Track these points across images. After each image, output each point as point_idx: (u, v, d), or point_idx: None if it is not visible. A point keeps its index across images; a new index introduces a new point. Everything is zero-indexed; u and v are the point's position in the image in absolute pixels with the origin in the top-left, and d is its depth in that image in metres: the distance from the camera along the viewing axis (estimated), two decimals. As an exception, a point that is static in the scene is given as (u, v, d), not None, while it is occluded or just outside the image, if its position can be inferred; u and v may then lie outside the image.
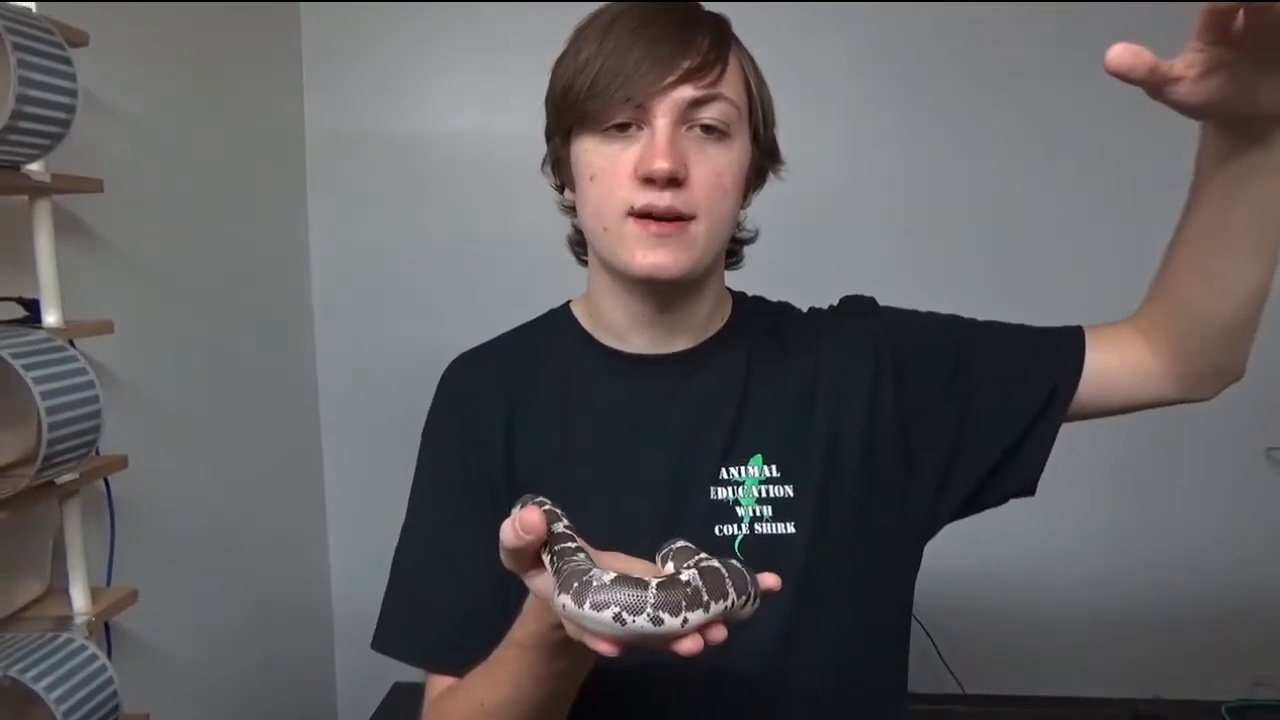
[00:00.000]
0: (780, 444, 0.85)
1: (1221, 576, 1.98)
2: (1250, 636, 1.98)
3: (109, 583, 1.29)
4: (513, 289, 1.91)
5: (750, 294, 0.97)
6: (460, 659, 0.78)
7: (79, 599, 1.17)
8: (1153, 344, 0.84)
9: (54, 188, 1.13)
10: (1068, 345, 0.88)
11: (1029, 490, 0.90)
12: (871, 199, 1.95)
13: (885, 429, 0.85)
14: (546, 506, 0.63)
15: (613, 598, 0.54)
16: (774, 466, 0.84)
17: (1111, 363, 0.86)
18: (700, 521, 0.82)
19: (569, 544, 0.60)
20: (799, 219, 1.79)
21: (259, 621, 1.79)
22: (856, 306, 0.94)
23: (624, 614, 0.53)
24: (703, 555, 0.62)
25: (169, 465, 1.49)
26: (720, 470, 0.84)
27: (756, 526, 0.82)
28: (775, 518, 0.82)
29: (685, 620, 0.54)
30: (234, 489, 1.69)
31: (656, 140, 0.76)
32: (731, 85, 0.80)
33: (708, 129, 0.78)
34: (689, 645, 0.55)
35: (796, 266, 1.72)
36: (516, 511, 0.61)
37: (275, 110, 1.90)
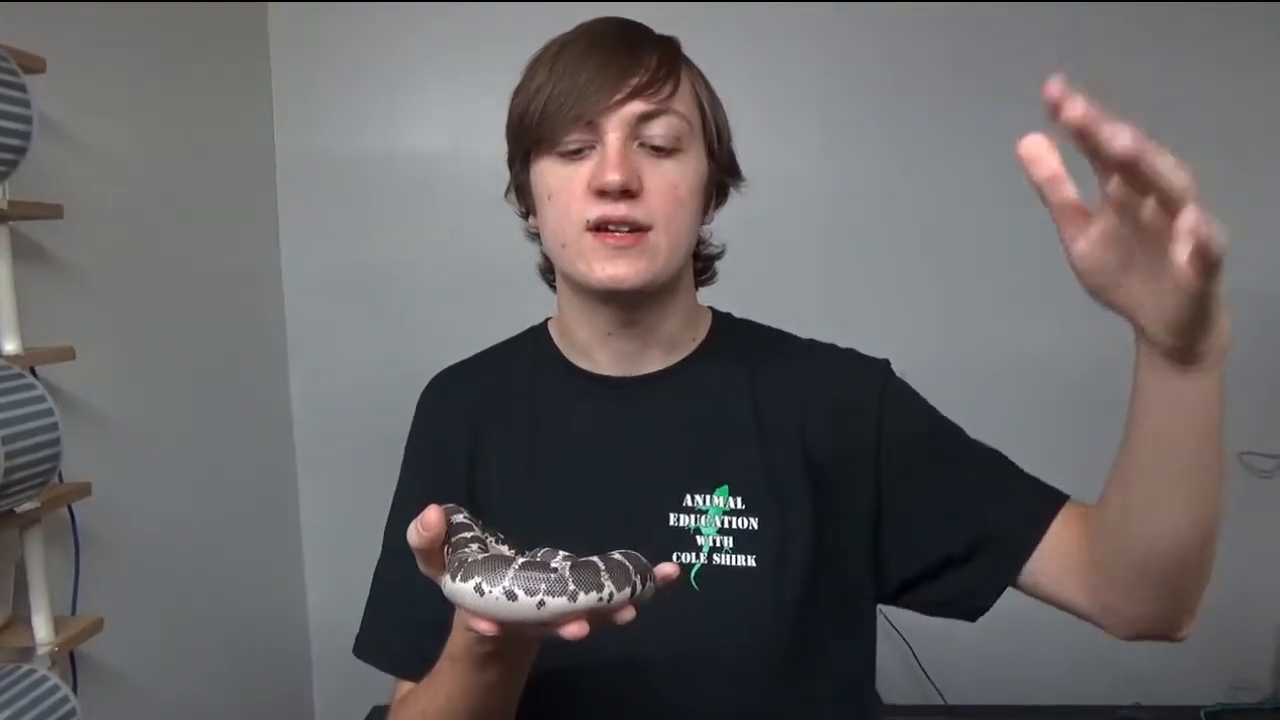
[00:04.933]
0: (748, 476, 0.84)
1: (1199, 581, 1.99)
2: (1228, 641, 1.98)
3: (74, 611, 1.27)
4: (488, 310, 1.89)
5: (740, 315, 0.95)
6: (421, 666, 0.79)
7: (41, 629, 1.16)
8: (1086, 545, 0.79)
9: (12, 214, 1.13)
10: (1032, 507, 0.82)
11: (966, 617, 0.86)
12: (846, 207, 1.96)
13: (846, 482, 0.85)
14: (450, 506, 0.65)
15: (475, 570, 0.57)
16: (739, 499, 0.83)
17: (1055, 545, 0.80)
18: (658, 547, 0.80)
19: (465, 534, 0.62)
20: (774, 225, 1.81)
21: (233, 648, 1.77)
22: (866, 363, 0.91)
23: (483, 585, 0.56)
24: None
25: (136, 491, 1.47)
26: (684, 497, 0.83)
27: (715, 557, 0.81)
28: (736, 549, 0.81)
29: (542, 603, 0.56)
30: (205, 514, 1.68)
31: (608, 154, 0.77)
32: (682, 101, 0.81)
33: (658, 148, 0.79)
34: (574, 630, 0.57)
35: (771, 276, 1.73)
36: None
37: (244, 132, 1.90)
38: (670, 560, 0.78)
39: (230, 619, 1.76)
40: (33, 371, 1.14)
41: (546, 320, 0.95)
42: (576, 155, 0.79)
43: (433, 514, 0.61)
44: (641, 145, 0.79)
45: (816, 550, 0.82)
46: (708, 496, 0.83)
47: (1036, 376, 1.95)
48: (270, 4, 1.93)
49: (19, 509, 1.11)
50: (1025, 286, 1.94)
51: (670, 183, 0.79)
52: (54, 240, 1.29)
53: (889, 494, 0.84)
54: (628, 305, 0.83)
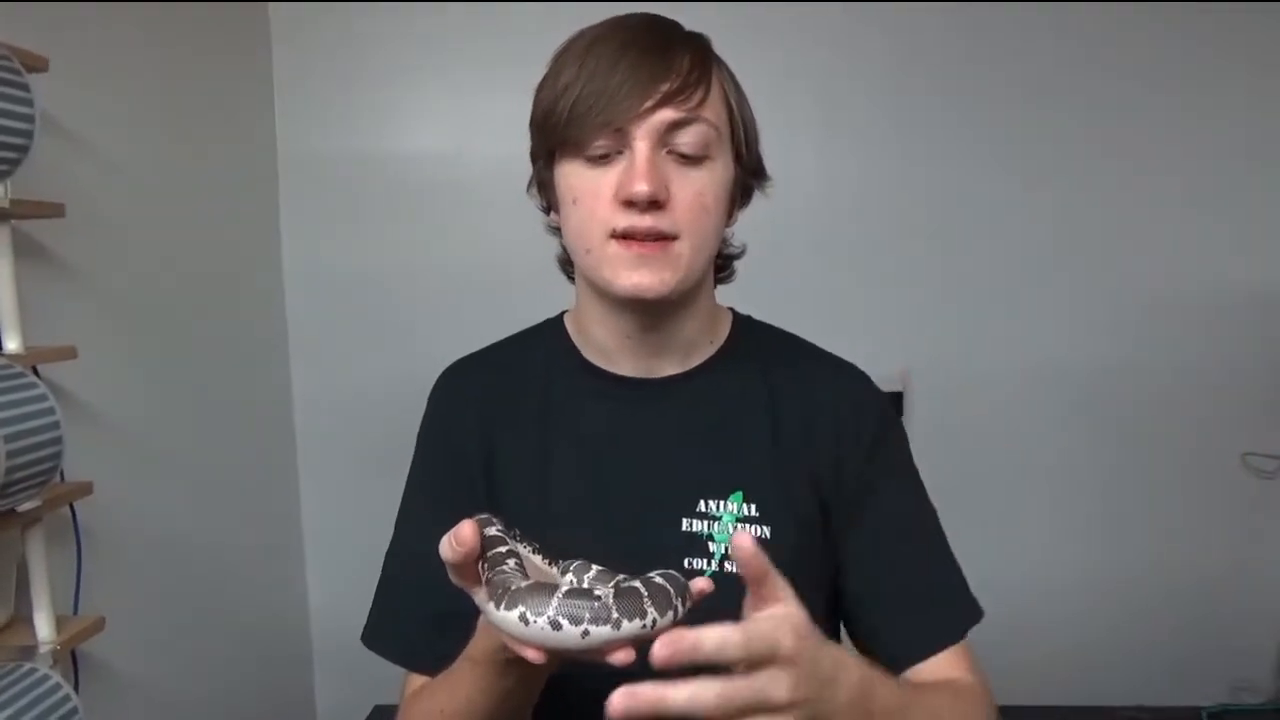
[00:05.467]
0: (762, 483, 0.84)
1: (1201, 582, 1.99)
2: (1230, 642, 1.98)
3: (76, 610, 1.27)
4: (489, 310, 1.91)
5: (757, 317, 0.95)
6: (435, 659, 0.79)
7: (43, 628, 1.16)
8: None
9: (13, 213, 1.13)
10: (922, 635, 0.85)
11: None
12: (852, 208, 1.96)
13: (834, 498, 0.86)
14: (483, 516, 0.64)
15: (520, 599, 0.57)
16: (753, 505, 0.83)
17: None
18: (671, 552, 0.81)
19: (500, 548, 0.62)
20: (778, 226, 1.80)
21: (235, 647, 1.77)
22: (878, 398, 0.91)
23: (528, 614, 0.56)
24: (623, 576, 0.63)
25: (138, 490, 1.47)
26: (698, 502, 0.83)
27: (727, 564, 0.81)
28: None
29: (586, 633, 0.55)
30: (207, 513, 1.68)
31: (636, 163, 0.76)
32: (712, 107, 0.79)
33: (686, 156, 0.78)
34: (621, 657, 0.57)
35: (778, 276, 1.73)
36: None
37: (246, 132, 1.90)
38: (681, 565, 0.78)
39: (232, 618, 1.76)
40: (34, 370, 1.14)
41: (563, 313, 0.94)
42: (603, 160, 0.78)
43: (467, 529, 0.60)
44: (670, 152, 0.77)
45: (821, 559, 0.82)
46: (722, 502, 0.83)
47: (1043, 378, 1.95)
48: (271, 4, 1.93)
49: (20, 508, 1.11)
50: (1033, 288, 1.94)
51: (697, 191, 0.78)
52: (56, 239, 1.29)
53: (840, 534, 0.86)
54: (649, 311, 0.83)
